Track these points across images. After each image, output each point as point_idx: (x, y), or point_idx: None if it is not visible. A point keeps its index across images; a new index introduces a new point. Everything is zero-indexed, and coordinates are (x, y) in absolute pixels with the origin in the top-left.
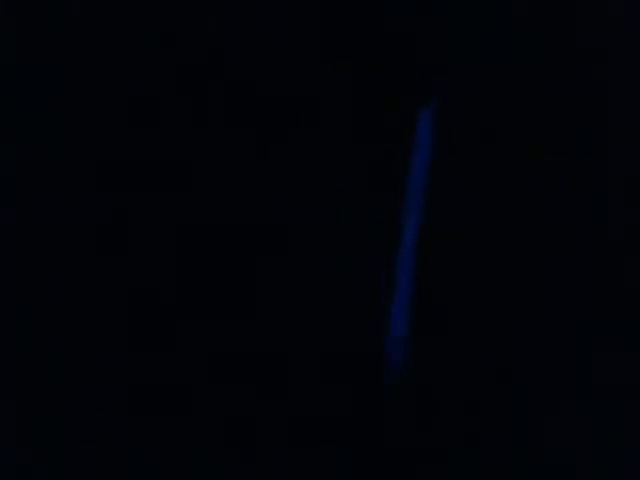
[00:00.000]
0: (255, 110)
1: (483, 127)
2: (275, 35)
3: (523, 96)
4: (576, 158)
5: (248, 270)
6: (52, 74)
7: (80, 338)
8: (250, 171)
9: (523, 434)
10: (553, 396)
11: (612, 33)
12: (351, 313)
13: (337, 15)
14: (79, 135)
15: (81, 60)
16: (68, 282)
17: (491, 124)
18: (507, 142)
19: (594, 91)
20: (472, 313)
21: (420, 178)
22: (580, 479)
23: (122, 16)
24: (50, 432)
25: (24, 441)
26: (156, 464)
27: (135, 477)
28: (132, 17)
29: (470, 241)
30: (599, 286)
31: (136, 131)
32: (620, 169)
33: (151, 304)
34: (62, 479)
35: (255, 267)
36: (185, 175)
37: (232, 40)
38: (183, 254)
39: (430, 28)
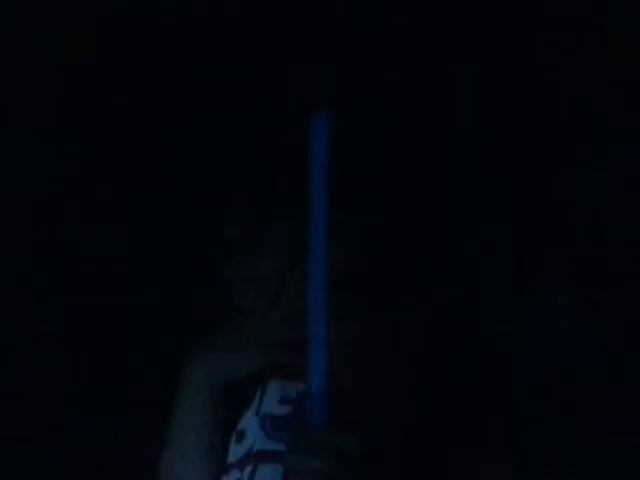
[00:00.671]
0: (255, 110)
1: (483, 127)
2: (275, 35)
3: (523, 96)
4: (576, 158)
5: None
6: (52, 74)
7: (80, 338)
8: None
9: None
10: (551, 396)
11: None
12: None
13: (337, 15)
14: (79, 135)
15: (80, 60)
16: (68, 282)
17: (491, 124)
18: (507, 142)
19: (594, 91)
20: (471, 312)
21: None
22: (580, 479)
23: (121, 16)
24: (50, 432)
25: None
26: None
27: (135, 477)
28: (132, 17)
29: (469, 241)
30: (599, 286)
31: (136, 131)
32: (620, 169)
33: (152, 304)
34: (62, 477)
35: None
36: (185, 175)
37: (232, 40)
38: (183, 254)
39: (430, 28)
